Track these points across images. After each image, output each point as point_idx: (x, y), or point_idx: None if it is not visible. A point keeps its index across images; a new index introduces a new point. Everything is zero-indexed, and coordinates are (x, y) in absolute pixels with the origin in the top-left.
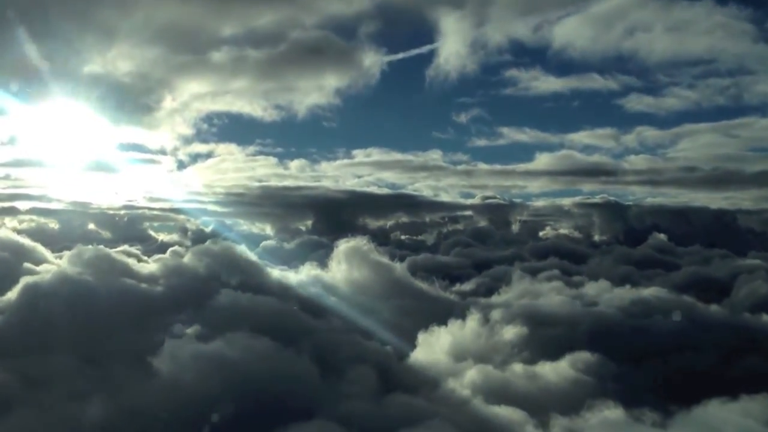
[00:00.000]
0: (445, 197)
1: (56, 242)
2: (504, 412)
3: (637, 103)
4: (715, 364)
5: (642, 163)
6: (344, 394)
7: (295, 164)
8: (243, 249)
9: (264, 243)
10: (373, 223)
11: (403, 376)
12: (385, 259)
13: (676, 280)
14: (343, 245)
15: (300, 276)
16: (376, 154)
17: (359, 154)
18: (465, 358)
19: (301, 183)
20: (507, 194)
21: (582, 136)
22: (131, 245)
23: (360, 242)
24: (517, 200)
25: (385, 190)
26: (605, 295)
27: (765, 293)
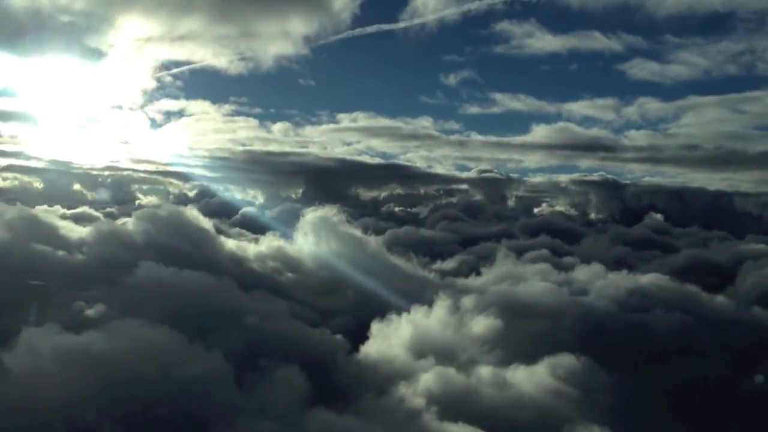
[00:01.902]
0: (439, 169)
1: (39, 202)
2: None
3: (641, 69)
4: (726, 371)
5: (642, 139)
6: (259, 406)
7: (277, 127)
8: (195, 215)
9: (244, 209)
10: (366, 194)
11: (344, 378)
12: (357, 232)
13: (675, 263)
14: (311, 214)
15: (260, 248)
16: (363, 119)
17: (344, 119)
18: (425, 355)
19: (287, 148)
20: (503, 168)
21: (581, 106)
22: (105, 208)
23: (329, 212)
24: (514, 175)
25: (377, 160)
26: (598, 281)
27: None
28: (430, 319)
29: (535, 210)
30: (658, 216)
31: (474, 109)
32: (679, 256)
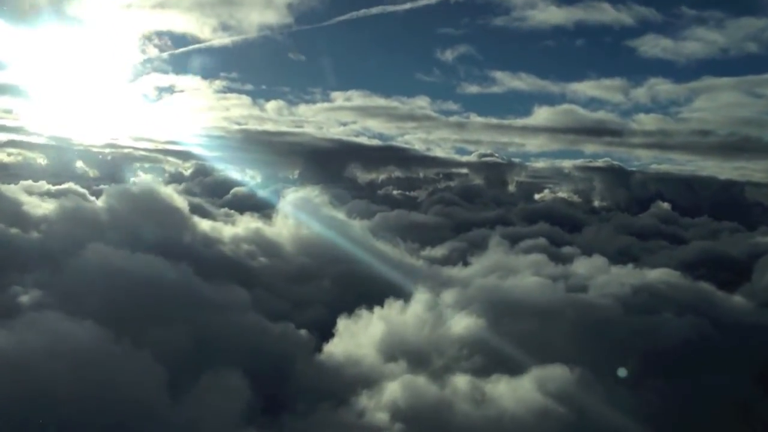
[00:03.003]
0: (439, 152)
1: (42, 178)
2: None
3: (653, 46)
4: (747, 388)
5: (651, 124)
6: (190, 419)
7: (271, 105)
8: (169, 193)
9: (235, 189)
10: (364, 176)
11: (300, 384)
12: (341, 215)
13: (684, 256)
14: (291, 195)
15: (236, 229)
16: (357, 98)
17: (339, 97)
18: (396, 358)
19: (283, 128)
20: (504, 152)
21: (586, 87)
22: (99, 185)
23: (311, 192)
24: (516, 159)
25: (375, 142)
26: (599, 276)
27: None
28: (405, 316)
29: (537, 196)
30: (666, 205)
31: (473, 89)
32: (689, 249)
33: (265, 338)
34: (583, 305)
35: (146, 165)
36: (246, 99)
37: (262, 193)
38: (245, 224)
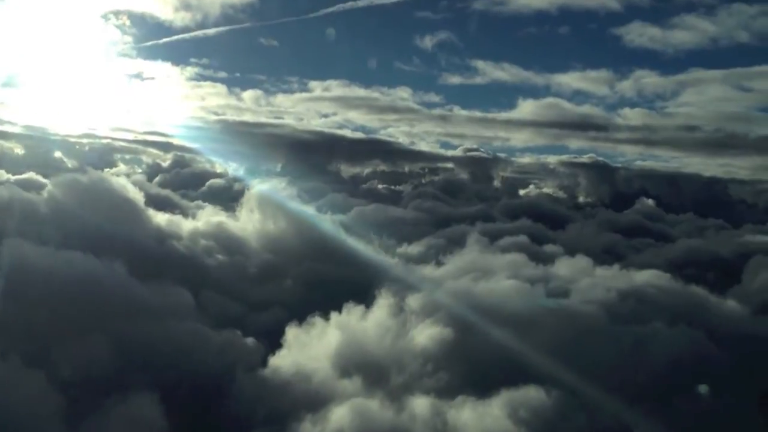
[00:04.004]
0: (423, 146)
1: (17, 168)
2: None
3: (639, 34)
4: (751, 411)
5: (637, 118)
6: None
7: (248, 95)
8: (122, 183)
9: (211, 181)
10: (348, 170)
11: (233, 407)
12: (311, 209)
13: (671, 254)
14: (257, 187)
15: (196, 224)
16: (337, 88)
17: (317, 87)
18: (351, 373)
19: (263, 119)
20: (489, 147)
21: (571, 79)
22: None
23: (278, 185)
24: (501, 155)
25: (359, 135)
26: (582, 279)
27: None
28: (366, 323)
29: (522, 192)
30: (650, 202)
31: (455, 79)
32: (676, 247)
33: (202, 349)
34: (564, 313)
35: (127, 156)
36: (221, 88)
37: (242, 186)
38: (206, 218)
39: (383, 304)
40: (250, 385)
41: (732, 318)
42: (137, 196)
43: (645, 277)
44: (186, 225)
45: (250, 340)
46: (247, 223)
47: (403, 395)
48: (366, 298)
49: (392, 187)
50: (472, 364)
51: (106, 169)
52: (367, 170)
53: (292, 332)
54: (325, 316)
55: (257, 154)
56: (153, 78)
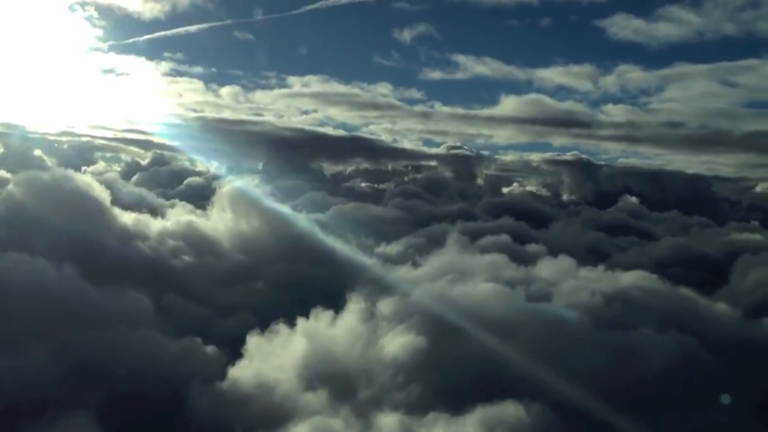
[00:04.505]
0: (406, 144)
1: None
2: None
3: (623, 27)
4: (750, 428)
5: (620, 115)
6: None
7: (226, 91)
8: (87, 181)
9: (189, 179)
10: (331, 168)
11: (184, 426)
12: (286, 208)
13: (656, 253)
14: (228, 186)
15: (165, 223)
16: (316, 84)
17: (296, 83)
18: (315, 386)
19: (242, 116)
20: (472, 144)
21: (554, 74)
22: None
23: (250, 183)
24: (485, 152)
25: (341, 132)
26: (566, 281)
27: None
28: (335, 329)
29: (505, 190)
30: (634, 199)
31: (436, 74)
32: (661, 245)
33: (156, 360)
34: (546, 319)
35: (108, 154)
36: (198, 83)
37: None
38: (176, 217)
39: (354, 308)
40: (205, 399)
41: (723, 322)
42: (103, 195)
43: (631, 279)
44: (154, 225)
45: (210, 349)
46: (218, 222)
47: (370, 411)
48: (339, 301)
49: (375, 185)
50: (446, 375)
51: (84, 167)
52: (349, 168)
53: (254, 340)
54: (294, 321)
55: (238, 152)
56: (127, 73)
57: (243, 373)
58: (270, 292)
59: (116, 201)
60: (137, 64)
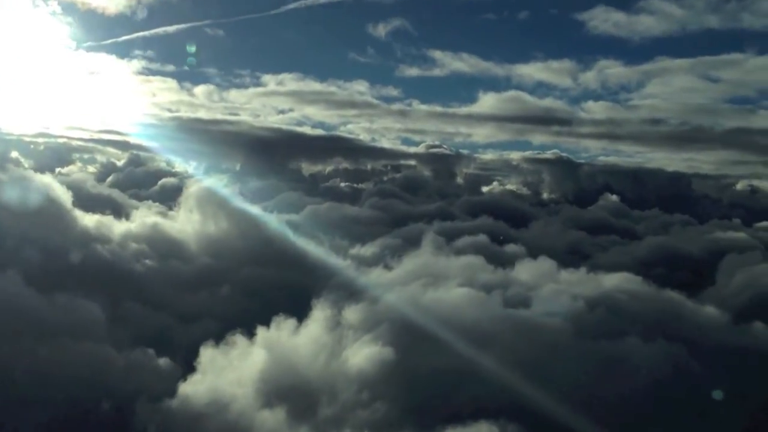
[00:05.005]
0: (385, 143)
1: None
2: None
3: (603, 20)
4: None
5: (601, 112)
6: None
7: (200, 90)
8: (48, 183)
9: (163, 180)
10: (310, 168)
11: None
12: (256, 209)
13: (638, 252)
14: (195, 186)
15: (131, 225)
16: (291, 82)
17: (271, 81)
18: (273, 404)
19: (218, 116)
20: (451, 142)
21: (533, 69)
22: None
23: (218, 182)
24: (465, 151)
25: (319, 131)
26: (545, 284)
27: None
28: (298, 339)
29: (485, 189)
30: (614, 197)
31: (413, 71)
32: (643, 245)
33: (101, 374)
34: (524, 327)
35: (86, 156)
36: (172, 82)
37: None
38: (141, 219)
39: (319, 316)
40: (152, 418)
41: (712, 327)
42: (64, 197)
43: (614, 281)
44: (118, 227)
45: (163, 361)
46: (185, 224)
47: (331, 431)
48: (307, 307)
49: (355, 185)
50: (415, 391)
51: (58, 169)
52: (329, 168)
53: (208, 352)
54: (257, 330)
55: (216, 152)
56: (99, 72)
57: (195, 388)
58: (236, 298)
59: (82, 203)
60: (108, 62)
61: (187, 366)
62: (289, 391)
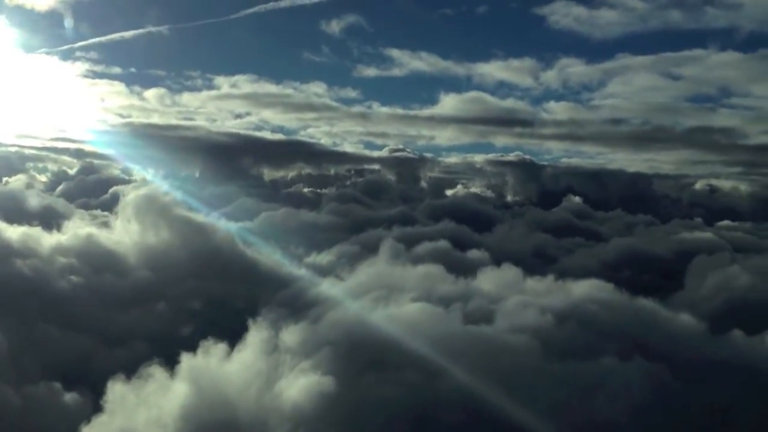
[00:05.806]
0: (348, 147)
1: None
2: None
3: (564, 15)
4: None
5: (562, 112)
6: None
7: (151, 94)
8: None
9: (114, 188)
10: (271, 173)
11: None
12: (200, 217)
13: (604, 255)
14: (133, 193)
15: (62, 237)
16: (246, 84)
17: (224, 83)
18: None
19: (173, 121)
20: (414, 146)
21: (494, 68)
22: None
23: (157, 189)
24: (428, 155)
25: (279, 136)
26: (510, 296)
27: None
28: (228, 367)
29: (449, 192)
30: (577, 199)
31: (371, 71)
32: (609, 247)
33: None
34: (486, 347)
35: (40, 165)
36: (120, 86)
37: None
38: (74, 230)
39: (254, 339)
40: None
41: (690, 339)
42: None
43: (584, 289)
44: (47, 240)
45: (70, 397)
46: (123, 234)
47: None
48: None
49: (318, 190)
50: (357, 428)
51: (5, 179)
52: (291, 174)
53: (118, 387)
54: (182, 357)
55: (174, 158)
56: (42, 75)
57: (101, 430)
58: (173, 316)
59: (15, 214)
60: (49, 64)
61: (99, 401)
62: (215, 430)
